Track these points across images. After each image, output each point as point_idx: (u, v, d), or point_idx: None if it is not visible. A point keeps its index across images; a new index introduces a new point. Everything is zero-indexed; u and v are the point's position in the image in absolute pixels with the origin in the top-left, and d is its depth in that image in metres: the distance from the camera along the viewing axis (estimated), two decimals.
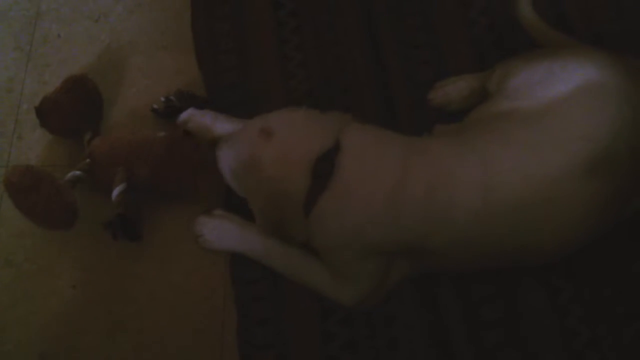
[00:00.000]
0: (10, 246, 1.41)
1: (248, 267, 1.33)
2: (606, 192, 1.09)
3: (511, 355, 1.24)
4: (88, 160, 1.37)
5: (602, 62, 1.15)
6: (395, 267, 1.24)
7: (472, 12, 1.58)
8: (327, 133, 1.15)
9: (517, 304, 1.27)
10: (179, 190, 1.38)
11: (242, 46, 1.58)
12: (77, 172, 1.35)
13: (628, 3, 1.54)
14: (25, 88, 1.59)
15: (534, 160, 1.10)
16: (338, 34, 1.57)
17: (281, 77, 1.53)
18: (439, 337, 1.26)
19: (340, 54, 1.55)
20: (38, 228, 1.32)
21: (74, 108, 1.42)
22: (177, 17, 1.65)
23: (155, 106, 1.48)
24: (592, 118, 1.10)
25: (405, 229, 1.12)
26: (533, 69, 1.20)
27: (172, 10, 1.67)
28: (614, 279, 1.28)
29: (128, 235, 1.34)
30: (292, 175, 1.13)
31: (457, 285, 1.29)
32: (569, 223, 1.12)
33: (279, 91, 1.51)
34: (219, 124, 1.39)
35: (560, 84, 1.14)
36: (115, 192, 1.32)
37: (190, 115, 1.41)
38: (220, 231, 1.34)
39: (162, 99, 1.47)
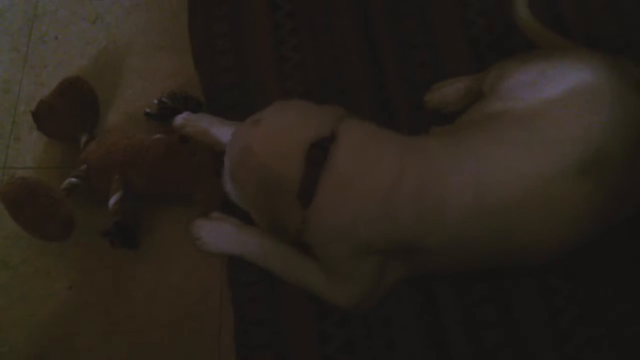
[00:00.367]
0: (7, 248, 1.41)
1: (245, 269, 1.33)
2: (599, 194, 1.09)
3: (510, 355, 1.25)
4: (84, 165, 1.37)
5: (596, 64, 1.15)
6: (391, 270, 1.24)
7: (470, 13, 1.58)
8: (322, 122, 1.14)
9: (513, 306, 1.28)
10: (176, 197, 1.38)
11: (239, 47, 1.58)
12: (73, 179, 1.34)
13: (626, 5, 1.54)
14: (22, 89, 1.59)
15: (526, 160, 1.10)
16: (335, 35, 1.57)
17: (278, 78, 1.53)
18: (436, 337, 1.27)
19: (337, 55, 1.55)
20: None
21: (69, 111, 1.42)
22: (174, 18, 1.65)
23: (147, 110, 1.47)
24: (584, 119, 1.10)
25: (400, 228, 1.12)
26: (526, 70, 1.20)
27: (169, 11, 1.66)
28: (612, 279, 1.29)
29: (125, 243, 1.35)
30: (284, 160, 1.11)
31: (455, 285, 1.30)
32: (563, 223, 1.11)
33: (276, 92, 1.51)
34: (215, 128, 1.39)
35: (554, 86, 1.14)
36: (112, 201, 1.32)
37: (186, 120, 1.40)
38: (217, 234, 1.34)
39: (155, 101, 1.46)
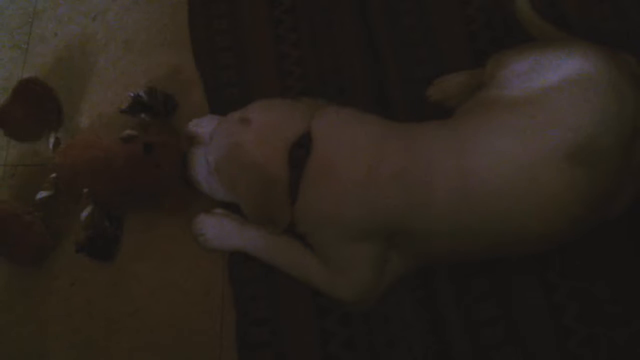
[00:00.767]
0: None
1: (246, 266, 1.33)
2: (590, 181, 1.09)
3: (510, 353, 1.25)
4: (54, 175, 1.36)
5: (592, 56, 1.15)
6: (389, 267, 1.24)
7: (470, 9, 1.57)
8: (298, 119, 1.19)
9: (512, 302, 1.28)
10: (144, 208, 1.38)
11: (239, 44, 1.58)
12: (44, 193, 1.35)
13: (626, 0, 1.53)
14: None
15: (514, 143, 1.10)
16: (334, 32, 1.57)
17: (277, 75, 1.53)
18: (437, 335, 1.27)
19: (336, 52, 1.55)
20: None
21: (26, 114, 1.39)
22: (174, 15, 1.64)
23: (123, 107, 1.43)
24: (576, 107, 1.10)
25: (384, 208, 1.14)
26: (523, 59, 1.20)
27: (169, 8, 1.66)
28: (613, 277, 1.28)
29: (99, 256, 1.35)
30: (276, 161, 1.16)
31: (455, 282, 1.30)
32: (551, 208, 1.11)
33: (276, 89, 1.51)
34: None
35: (548, 74, 1.14)
36: (83, 215, 1.32)
37: (197, 126, 1.39)
38: (220, 229, 1.34)
39: (131, 94, 1.43)
